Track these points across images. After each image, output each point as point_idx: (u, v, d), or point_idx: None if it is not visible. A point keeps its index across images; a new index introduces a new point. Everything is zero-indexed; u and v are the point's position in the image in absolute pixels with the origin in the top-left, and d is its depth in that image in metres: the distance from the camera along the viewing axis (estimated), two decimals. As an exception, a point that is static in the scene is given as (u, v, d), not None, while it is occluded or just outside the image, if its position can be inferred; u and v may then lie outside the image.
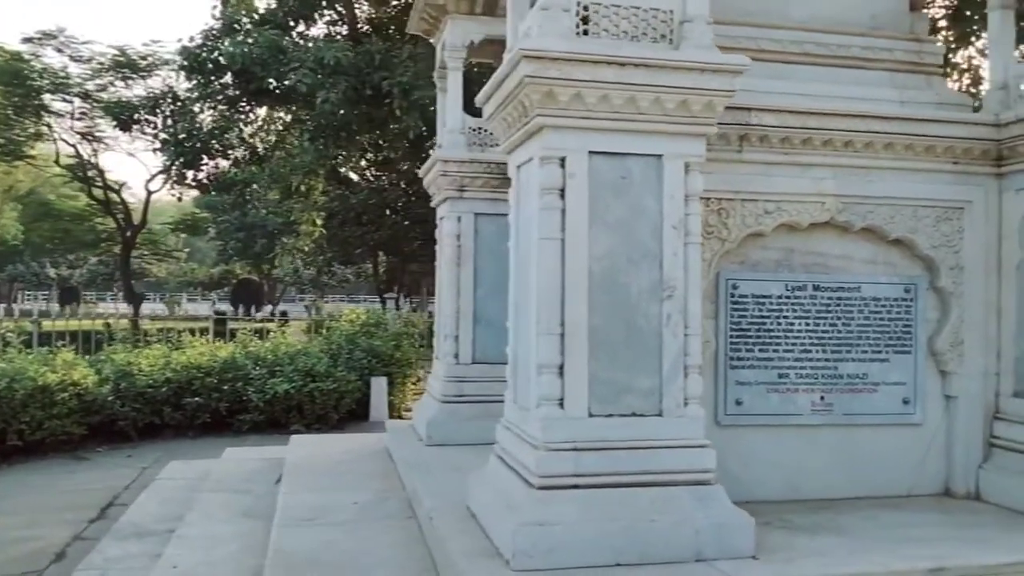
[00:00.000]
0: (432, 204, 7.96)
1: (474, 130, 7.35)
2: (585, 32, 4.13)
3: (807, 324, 5.32)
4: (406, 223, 25.13)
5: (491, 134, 7.32)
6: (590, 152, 4.15)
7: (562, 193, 4.12)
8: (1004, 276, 5.41)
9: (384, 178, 26.07)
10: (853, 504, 5.19)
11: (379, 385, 14.16)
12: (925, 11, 5.79)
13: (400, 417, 14.80)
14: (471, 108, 6.75)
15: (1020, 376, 5.33)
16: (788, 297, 5.29)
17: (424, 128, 15.54)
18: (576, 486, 4.05)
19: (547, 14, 4.10)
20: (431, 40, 8.11)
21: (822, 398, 5.33)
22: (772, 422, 5.23)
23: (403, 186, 24.56)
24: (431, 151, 22.90)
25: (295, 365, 13.16)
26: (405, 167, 26.62)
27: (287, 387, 12.66)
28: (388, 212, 25.06)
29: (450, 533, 4.44)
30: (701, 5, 4.25)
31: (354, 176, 25.68)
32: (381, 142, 20.94)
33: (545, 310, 4.13)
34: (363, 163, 24.05)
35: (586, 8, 4.15)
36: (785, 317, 5.29)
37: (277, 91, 17.02)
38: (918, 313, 5.46)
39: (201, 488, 7.41)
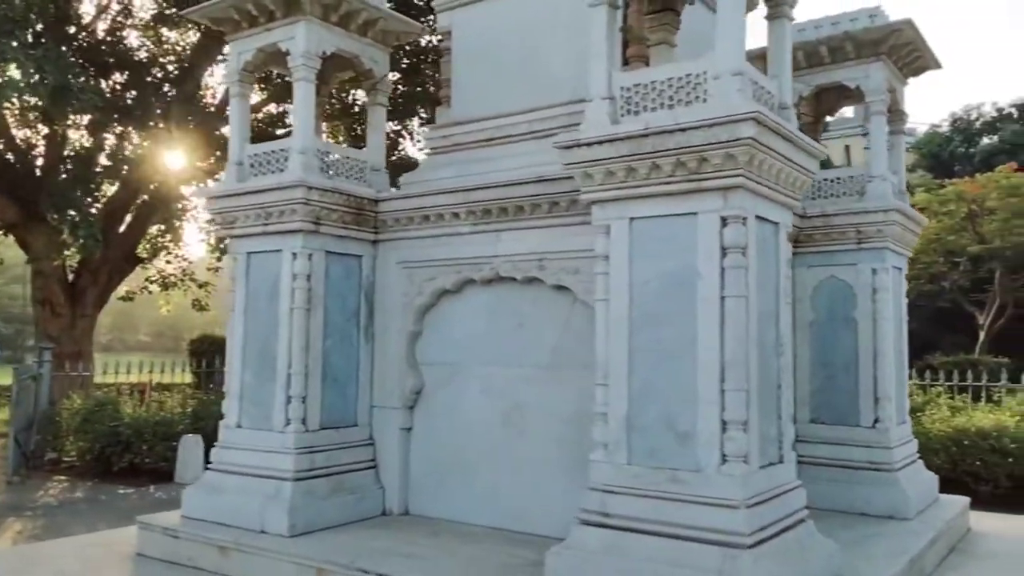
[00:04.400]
0: (232, 234, 6.40)
1: (324, 154, 6.25)
2: (766, 104, 4.38)
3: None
4: None
5: (337, 161, 6.38)
6: (756, 216, 4.38)
7: (743, 252, 4.25)
8: (800, 331, 7.07)
9: None
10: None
11: None
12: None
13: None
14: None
15: (813, 407, 7.01)
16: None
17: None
18: (762, 541, 4.17)
19: (743, 80, 4.23)
20: (225, 34, 6.58)
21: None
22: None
23: None
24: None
25: None
26: None
27: None
28: None
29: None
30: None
31: None
32: None
33: (734, 367, 4.18)
34: None
35: (755, 83, 4.40)
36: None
37: None
38: (760, 361, 6.77)
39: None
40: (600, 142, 4.51)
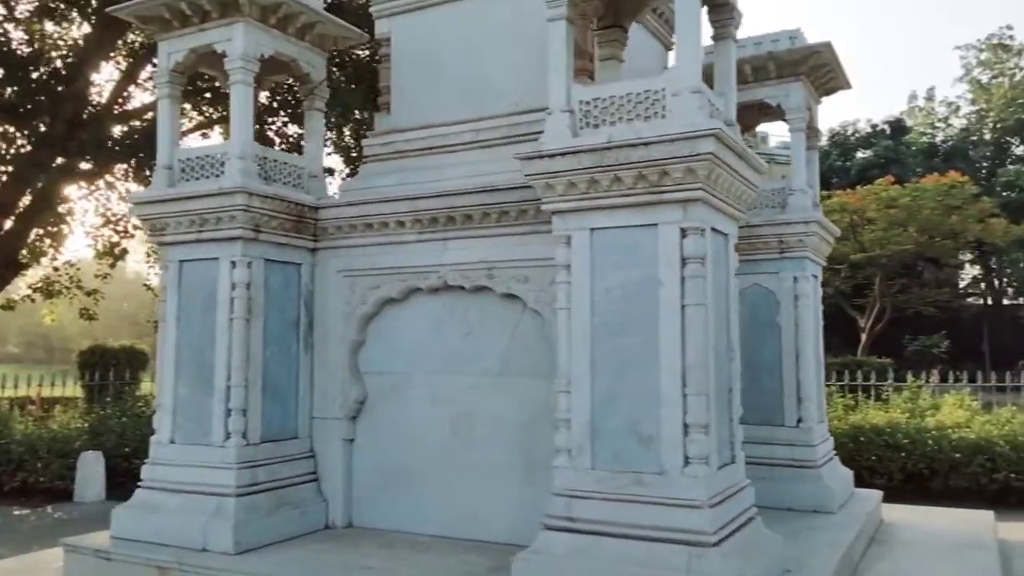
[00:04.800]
0: (163, 241, 6.14)
1: (261, 159, 6.08)
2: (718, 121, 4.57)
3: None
4: None
5: (275, 166, 6.23)
6: (712, 229, 4.57)
7: (702, 262, 4.43)
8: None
9: None
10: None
11: None
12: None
13: None
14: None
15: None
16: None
17: None
18: (724, 538, 4.34)
19: (701, 97, 4.42)
20: (149, 32, 6.32)
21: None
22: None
23: None
24: None
25: None
26: None
27: None
28: None
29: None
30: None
31: None
32: None
33: (695, 372, 4.35)
34: None
35: (709, 101, 4.60)
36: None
37: None
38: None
39: None
40: (563, 154, 4.61)
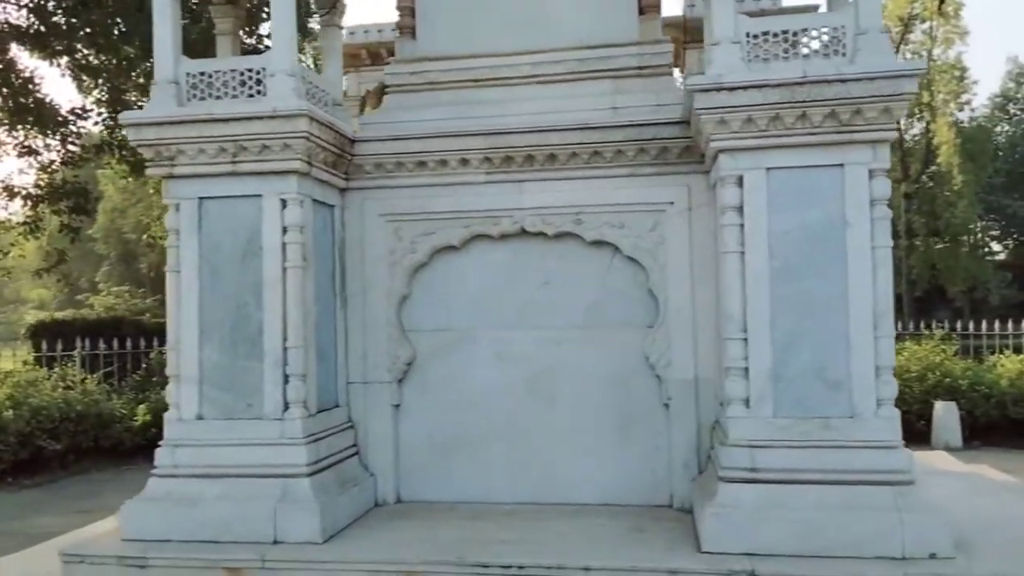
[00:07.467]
0: (174, 173, 4.89)
1: (303, 80, 5.04)
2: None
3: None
4: None
5: (312, 89, 5.23)
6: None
7: (888, 204, 4.42)
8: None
9: None
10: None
11: None
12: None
13: None
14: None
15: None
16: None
17: None
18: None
19: (887, 38, 4.37)
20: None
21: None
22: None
23: None
24: None
25: None
26: None
27: None
28: None
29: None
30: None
31: None
32: None
33: (885, 315, 4.34)
34: None
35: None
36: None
37: None
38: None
39: None
40: (745, 87, 4.34)
